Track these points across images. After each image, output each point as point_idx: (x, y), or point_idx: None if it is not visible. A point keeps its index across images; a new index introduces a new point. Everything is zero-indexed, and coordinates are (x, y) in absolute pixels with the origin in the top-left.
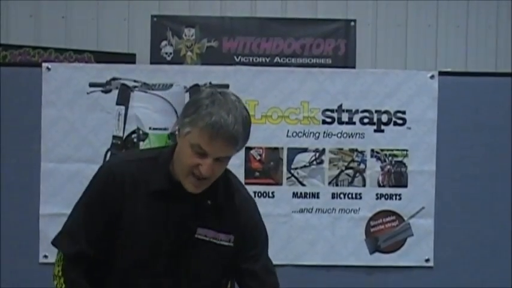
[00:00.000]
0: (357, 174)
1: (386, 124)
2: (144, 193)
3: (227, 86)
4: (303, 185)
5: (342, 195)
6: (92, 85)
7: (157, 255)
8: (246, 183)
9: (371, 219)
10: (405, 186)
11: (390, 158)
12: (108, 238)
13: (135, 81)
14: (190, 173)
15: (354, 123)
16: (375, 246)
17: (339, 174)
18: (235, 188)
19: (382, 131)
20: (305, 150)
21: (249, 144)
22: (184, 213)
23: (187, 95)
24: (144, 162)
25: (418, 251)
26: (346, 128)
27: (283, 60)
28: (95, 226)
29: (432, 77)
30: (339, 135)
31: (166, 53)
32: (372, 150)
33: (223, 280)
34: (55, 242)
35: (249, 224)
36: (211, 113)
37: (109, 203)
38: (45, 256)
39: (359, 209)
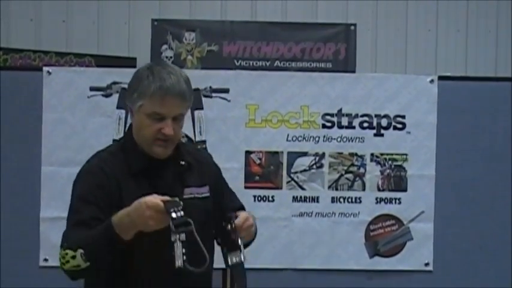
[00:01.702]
0: (357, 178)
1: (386, 128)
2: (128, 177)
3: (227, 90)
4: (302, 189)
5: (341, 199)
6: (92, 89)
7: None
8: (246, 187)
9: (371, 223)
10: (405, 190)
11: (390, 162)
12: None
13: None
14: (155, 139)
15: (354, 127)
16: (374, 250)
17: (339, 178)
18: (191, 146)
19: (382, 135)
20: (305, 154)
21: (249, 148)
22: (168, 181)
23: None
24: (116, 152)
25: (417, 255)
26: (346, 132)
27: (284, 64)
28: (98, 210)
29: (432, 81)
30: (339, 139)
31: (166, 57)
32: (372, 155)
33: (212, 231)
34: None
35: (217, 171)
36: (154, 80)
37: (105, 191)
38: (46, 259)
39: (359, 213)
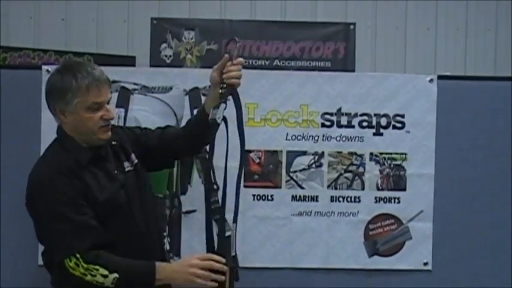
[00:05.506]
0: (356, 178)
1: (385, 127)
2: (80, 170)
3: None
4: (302, 188)
5: (340, 199)
6: None
7: (121, 198)
8: (245, 186)
9: (370, 222)
10: (404, 189)
11: (389, 161)
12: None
13: (134, 83)
14: (100, 127)
15: (353, 126)
16: (373, 250)
17: (338, 177)
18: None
19: (381, 134)
20: (304, 153)
21: (248, 147)
22: (112, 162)
23: (186, 98)
24: (59, 153)
25: (416, 254)
26: (345, 132)
27: (283, 63)
28: (84, 211)
29: (431, 80)
30: (338, 138)
31: (166, 56)
32: (371, 154)
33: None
34: (58, 256)
35: (128, 134)
36: (82, 76)
37: (75, 187)
38: None
39: (358, 212)
